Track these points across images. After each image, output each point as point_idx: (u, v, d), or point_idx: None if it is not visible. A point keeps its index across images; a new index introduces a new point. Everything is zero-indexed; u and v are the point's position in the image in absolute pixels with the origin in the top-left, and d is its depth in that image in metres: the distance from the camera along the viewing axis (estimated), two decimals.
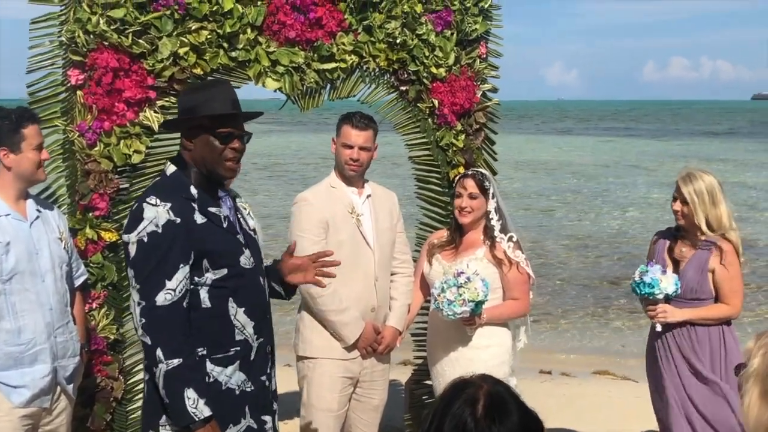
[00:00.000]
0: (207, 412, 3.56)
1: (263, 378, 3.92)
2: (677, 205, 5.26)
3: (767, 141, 56.05)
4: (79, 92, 5.08)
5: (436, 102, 5.84)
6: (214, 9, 5.22)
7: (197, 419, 3.54)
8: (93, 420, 5.10)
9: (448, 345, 5.32)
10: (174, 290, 3.57)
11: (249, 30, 5.33)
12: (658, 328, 5.26)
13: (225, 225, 3.81)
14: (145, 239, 3.57)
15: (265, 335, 3.94)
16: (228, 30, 5.26)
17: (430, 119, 5.90)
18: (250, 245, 3.92)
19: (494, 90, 6.15)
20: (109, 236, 5.12)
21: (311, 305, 5.10)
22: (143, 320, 3.56)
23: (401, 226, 5.48)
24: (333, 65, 5.57)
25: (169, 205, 3.61)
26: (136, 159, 5.15)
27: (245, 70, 5.40)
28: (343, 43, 5.57)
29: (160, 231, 3.57)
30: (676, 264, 5.32)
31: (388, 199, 5.43)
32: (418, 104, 5.87)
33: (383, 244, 5.26)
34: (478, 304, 4.98)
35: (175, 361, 3.53)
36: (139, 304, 3.58)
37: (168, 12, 5.13)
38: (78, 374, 4.67)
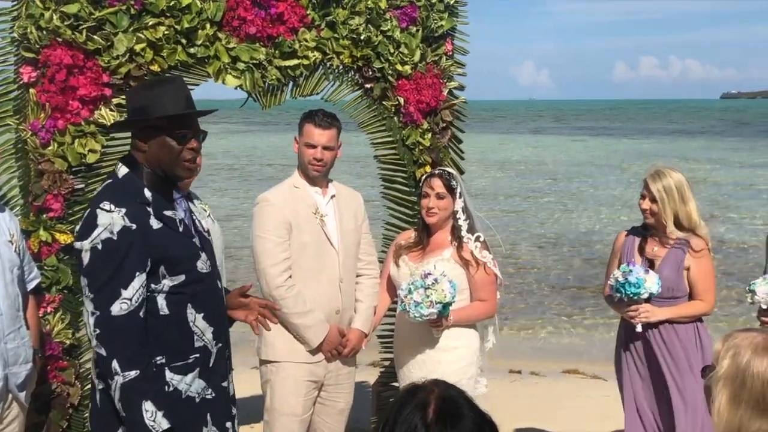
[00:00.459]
0: (165, 424, 3.45)
1: (224, 384, 3.84)
2: (646, 203, 5.21)
3: (737, 140, 56.57)
4: (31, 90, 4.95)
5: (401, 100, 5.74)
6: (171, 4, 5.09)
7: None
8: (48, 427, 4.96)
9: (414, 347, 5.24)
10: (130, 299, 3.44)
11: (208, 26, 5.21)
12: (639, 328, 5.20)
13: (181, 229, 3.69)
14: (99, 247, 3.43)
15: (224, 340, 3.85)
16: (186, 26, 5.13)
17: (395, 117, 5.80)
18: (205, 248, 3.82)
19: (461, 88, 6.05)
20: (64, 238, 4.98)
21: None
22: (97, 331, 3.43)
23: (366, 226, 5.38)
24: (295, 62, 5.46)
25: (123, 210, 3.47)
26: (91, 158, 5.02)
27: (204, 67, 5.28)
28: (306, 40, 5.46)
29: (115, 238, 3.44)
30: (649, 263, 5.27)
31: (353, 199, 5.33)
32: (384, 102, 5.77)
33: (348, 245, 5.16)
34: (446, 305, 4.90)
35: (132, 373, 3.42)
36: (93, 314, 3.44)
37: (124, 7, 5.00)
38: (31, 381, 4.52)
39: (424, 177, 5.44)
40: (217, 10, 5.19)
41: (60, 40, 4.90)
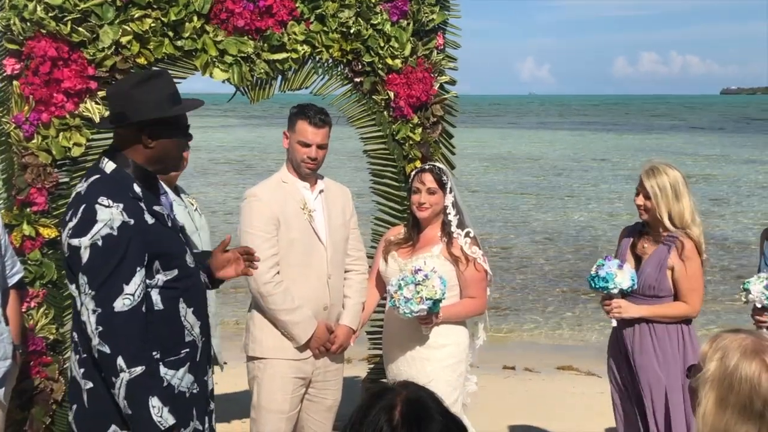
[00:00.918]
0: (171, 420, 3.43)
1: (206, 378, 3.83)
2: (640, 200, 5.17)
3: (736, 135, 56.56)
4: (15, 82, 4.89)
5: (391, 94, 5.69)
6: None
7: (162, 428, 3.41)
8: (31, 423, 4.92)
9: (403, 344, 5.20)
10: (132, 295, 3.40)
11: (195, 18, 5.16)
12: (614, 323, 5.21)
13: (169, 224, 3.68)
14: (100, 243, 3.37)
15: (207, 335, 3.84)
16: (173, 18, 5.08)
17: (385, 112, 5.75)
18: (188, 244, 3.82)
19: (452, 82, 6.00)
20: (48, 232, 4.93)
21: (262, 304, 4.94)
22: (100, 328, 3.37)
23: (355, 222, 5.33)
24: (284, 55, 5.41)
25: (121, 206, 3.42)
26: (76, 152, 4.97)
27: (191, 60, 5.23)
28: (295, 33, 5.41)
29: (115, 233, 3.38)
30: (638, 260, 5.23)
31: (341, 194, 5.28)
32: (373, 96, 5.72)
33: (336, 240, 5.11)
34: (436, 302, 4.85)
35: (138, 369, 3.37)
36: (94, 311, 3.38)
37: None
38: (11, 377, 4.47)
39: (414, 172, 5.38)
40: (205, 3, 5.14)
41: (44, 31, 4.85)
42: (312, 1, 5.44)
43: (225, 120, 65.31)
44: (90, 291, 3.39)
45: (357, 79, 5.68)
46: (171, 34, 5.12)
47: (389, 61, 5.65)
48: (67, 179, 5.02)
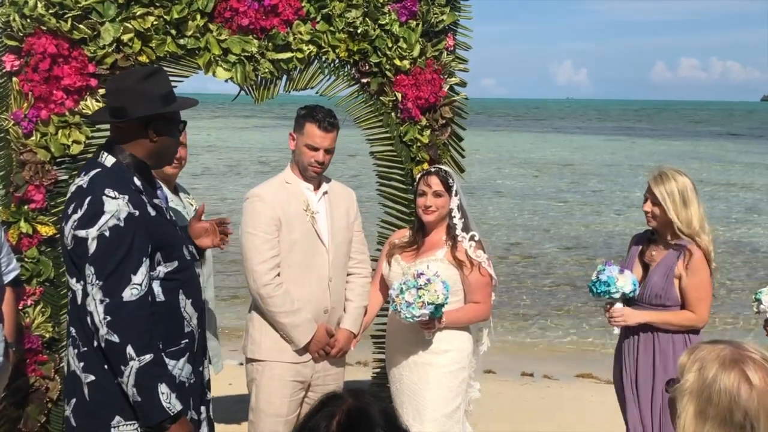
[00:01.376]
0: (179, 406, 3.54)
1: (201, 369, 3.94)
2: (648, 206, 5.09)
3: None
4: (14, 79, 4.87)
5: (399, 95, 5.62)
6: None
7: (171, 414, 3.50)
8: (26, 421, 4.90)
9: (406, 349, 5.14)
10: (140, 285, 3.50)
11: (198, 16, 5.11)
12: (616, 331, 5.13)
13: (168, 217, 3.81)
14: (107, 234, 3.46)
15: (203, 326, 3.95)
16: (176, 16, 5.04)
17: (393, 113, 5.68)
18: (183, 237, 3.93)
19: (463, 84, 5.91)
20: (46, 230, 4.91)
21: (261, 305, 4.89)
22: (108, 318, 3.45)
23: (359, 224, 5.28)
24: (289, 55, 5.34)
25: (126, 197, 3.53)
26: (75, 150, 4.94)
27: (194, 59, 5.18)
28: (300, 32, 5.35)
29: (122, 225, 3.48)
30: (647, 268, 5.15)
31: (345, 196, 5.23)
32: (381, 97, 5.65)
33: (339, 243, 5.06)
34: (438, 307, 4.78)
35: (147, 357, 3.48)
36: (102, 301, 3.45)
37: None
38: (3, 375, 4.45)
39: (420, 175, 5.32)
40: (209, 1, 5.09)
41: (44, 28, 4.82)
42: (318, 1, 5.38)
43: (261, 120, 65.96)
44: (97, 281, 3.46)
45: (364, 80, 5.61)
46: (174, 32, 5.08)
47: (397, 62, 5.58)
48: (66, 177, 4.99)
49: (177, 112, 3.79)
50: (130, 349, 3.44)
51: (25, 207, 4.89)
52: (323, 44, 5.44)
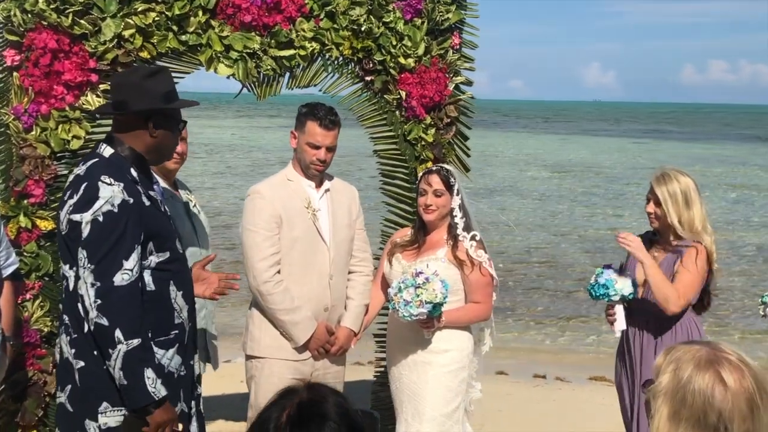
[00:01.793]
0: (164, 391, 3.60)
1: (191, 362, 3.98)
2: (650, 207, 5.06)
3: None
4: (15, 73, 4.88)
5: (403, 93, 5.59)
6: None
7: (156, 398, 3.56)
8: (23, 415, 4.91)
9: (405, 348, 5.13)
10: (131, 270, 3.57)
11: (200, 13, 5.11)
12: (617, 334, 5.08)
13: (162, 209, 3.87)
14: (101, 219, 3.55)
15: (193, 321, 4.00)
16: (177, 12, 5.03)
17: (397, 111, 5.65)
18: (177, 233, 3.99)
19: (468, 83, 5.88)
20: (45, 225, 4.92)
21: (261, 303, 4.89)
22: (99, 301, 3.52)
23: (361, 222, 5.27)
24: (291, 52, 5.33)
25: (122, 185, 3.61)
26: (75, 145, 4.94)
27: (196, 55, 5.18)
28: (303, 29, 5.33)
29: (116, 211, 3.56)
30: None
31: (347, 194, 5.21)
32: (385, 96, 5.63)
33: (340, 241, 5.04)
34: (436, 306, 4.76)
35: (135, 341, 3.54)
36: (93, 285, 3.53)
37: None
38: (0, 368, 4.47)
39: (421, 173, 5.30)
40: None
41: (45, 23, 4.82)
42: None
43: (285, 120, 66.03)
44: (89, 265, 3.54)
45: (368, 78, 5.59)
46: (175, 28, 5.08)
47: (402, 60, 5.56)
48: (65, 172, 4.98)
49: (178, 111, 3.88)
50: (118, 333, 3.50)
51: (25, 201, 4.91)
52: (326, 41, 5.42)
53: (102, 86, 4.95)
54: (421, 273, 4.76)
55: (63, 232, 3.67)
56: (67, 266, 3.67)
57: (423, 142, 5.68)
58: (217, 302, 4.94)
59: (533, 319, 12.67)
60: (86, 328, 3.59)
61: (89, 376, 3.64)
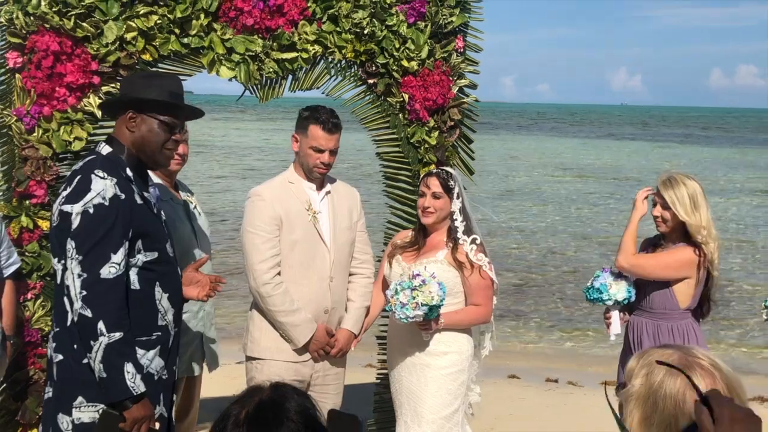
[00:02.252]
0: (143, 387, 3.61)
1: (174, 368, 3.98)
2: (657, 210, 5.04)
3: None
4: (17, 75, 4.92)
5: (406, 97, 5.60)
6: None
7: (134, 393, 3.57)
8: (24, 413, 4.94)
9: (405, 350, 5.15)
10: (118, 264, 3.59)
11: (202, 16, 5.12)
12: (612, 338, 5.08)
13: (155, 211, 3.89)
14: (91, 211, 3.58)
15: (179, 326, 4.01)
16: (179, 15, 5.05)
17: (400, 114, 5.66)
18: (169, 237, 3.99)
19: (473, 86, 5.88)
20: (47, 225, 4.94)
21: (261, 304, 4.91)
22: (84, 292, 3.55)
23: (362, 224, 5.28)
24: (293, 55, 5.34)
25: (115, 180, 3.65)
26: (77, 146, 4.97)
27: (198, 58, 5.20)
28: (306, 32, 5.34)
29: (107, 204, 3.60)
30: None
31: (348, 196, 5.23)
32: (388, 98, 5.63)
33: (341, 243, 5.06)
34: (433, 308, 4.76)
35: (117, 335, 3.55)
36: (80, 275, 3.56)
37: None
38: (0, 366, 4.53)
39: (421, 176, 5.31)
40: (213, 1, 5.10)
41: (48, 26, 4.86)
42: (325, 1, 5.37)
43: None
44: (77, 256, 3.57)
45: (371, 81, 5.60)
46: (177, 31, 5.10)
47: (405, 63, 5.56)
48: (67, 173, 5.03)
49: (165, 111, 3.85)
50: (101, 325, 3.51)
51: (27, 202, 4.94)
52: (329, 44, 5.43)
53: (104, 88, 4.99)
54: (418, 275, 4.77)
55: (54, 224, 3.72)
56: (56, 259, 3.70)
57: (426, 145, 5.68)
58: (216, 304, 4.97)
59: (548, 322, 12.65)
60: (68, 322, 3.61)
61: (66, 370, 3.66)
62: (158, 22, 5.04)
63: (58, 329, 3.71)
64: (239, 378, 7.10)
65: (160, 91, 3.82)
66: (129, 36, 4.99)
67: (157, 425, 3.76)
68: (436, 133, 5.69)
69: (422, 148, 5.68)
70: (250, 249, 4.87)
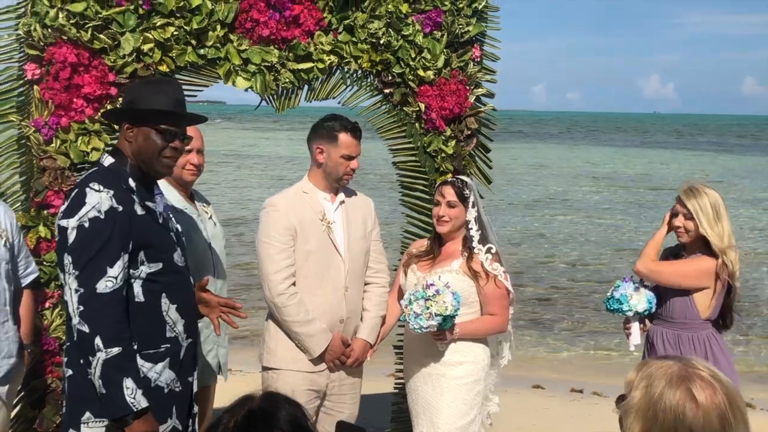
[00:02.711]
0: (144, 403, 3.54)
1: (190, 379, 3.92)
2: (680, 221, 5.00)
3: None
4: (36, 87, 4.97)
5: (422, 106, 5.60)
6: (180, 5, 5.06)
7: (135, 410, 3.51)
8: (41, 422, 4.97)
9: (421, 360, 5.13)
10: (115, 278, 3.54)
11: (219, 27, 5.16)
12: (632, 348, 5.04)
13: (160, 221, 3.82)
14: (86, 225, 3.54)
15: (194, 336, 3.94)
16: (196, 26, 5.09)
17: (417, 124, 5.67)
18: (179, 245, 3.93)
19: (490, 95, 5.88)
20: None
21: (276, 314, 4.92)
22: (81, 308, 3.52)
23: (377, 234, 5.27)
24: (309, 65, 5.37)
25: (112, 192, 3.60)
26: (94, 156, 4.99)
27: (214, 68, 5.24)
28: (322, 43, 5.37)
29: (102, 217, 3.55)
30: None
31: (363, 206, 5.22)
32: (404, 108, 5.64)
33: (355, 253, 5.05)
34: (447, 318, 4.75)
35: (115, 350, 3.50)
36: (77, 291, 3.53)
37: (131, 7, 4.99)
38: (16, 375, 4.57)
39: (437, 185, 5.31)
40: (229, 12, 5.14)
41: (65, 38, 4.91)
42: (340, 12, 5.40)
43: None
44: (74, 271, 3.54)
45: (387, 90, 5.61)
46: (194, 42, 5.14)
47: (421, 72, 5.57)
48: None
49: (162, 113, 3.78)
50: (98, 341, 3.48)
51: (45, 212, 4.99)
52: (345, 54, 5.45)
53: (121, 99, 5.03)
54: (431, 285, 4.76)
55: (57, 239, 3.70)
56: (62, 274, 3.68)
57: (443, 154, 5.68)
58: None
59: (574, 332, 12.58)
60: (75, 336, 3.59)
61: (75, 385, 3.63)
62: (175, 33, 5.08)
63: (68, 343, 3.69)
64: (257, 387, 7.16)
65: (157, 98, 3.76)
66: (146, 47, 5.03)
67: None
68: (453, 142, 5.70)
69: (439, 157, 5.69)
70: (265, 259, 4.88)
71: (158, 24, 5.04)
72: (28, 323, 4.68)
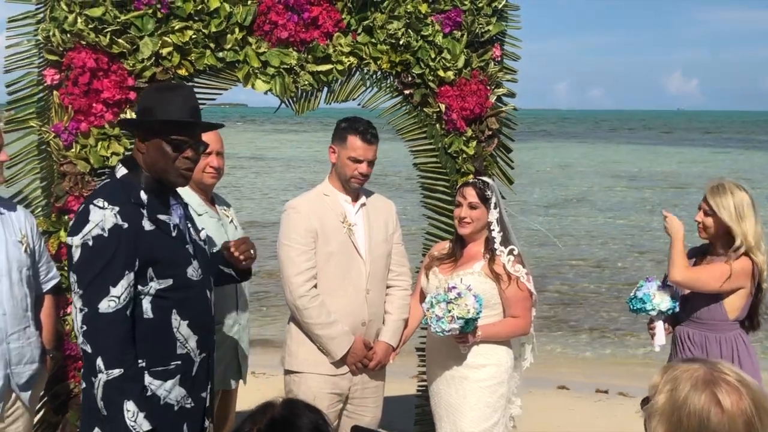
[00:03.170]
0: (146, 426, 3.44)
1: (203, 395, 3.82)
2: (699, 216, 4.96)
3: None
4: (55, 92, 4.98)
5: (443, 107, 5.57)
6: (199, 8, 5.06)
7: None
8: (64, 427, 4.99)
9: (443, 363, 5.10)
10: (118, 297, 3.45)
11: (237, 30, 5.16)
12: (657, 349, 4.99)
13: (174, 234, 3.70)
14: (90, 243, 3.45)
15: (209, 350, 3.83)
16: (214, 29, 5.10)
17: (437, 125, 5.64)
18: (198, 257, 3.81)
19: (511, 94, 5.84)
20: None
21: (297, 317, 4.90)
22: (84, 327, 3.45)
23: (399, 237, 5.24)
24: (329, 67, 5.35)
25: (117, 208, 3.50)
26: (114, 161, 4.98)
27: (233, 71, 5.23)
28: (341, 44, 5.35)
29: (106, 235, 3.45)
30: None
31: (384, 208, 5.20)
32: (425, 109, 5.61)
33: (377, 255, 5.03)
34: (469, 321, 4.71)
35: (116, 372, 3.42)
36: (81, 310, 3.46)
37: (150, 11, 4.99)
38: (38, 381, 4.56)
39: (458, 186, 5.27)
40: (247, 15, 5.13)
41: (84, 43, 4.92)
42: (359, 13, 5.38)
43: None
44: (78, 290, 3.48)
45: (407, 91, 5.58)
46: (212, 45, 5.14)
47: (441, 73, 5.54)
48: None
49: (173, 123, 3.64)
50: (99, 362, 3.41)
51: (65, 217, 5.00)
52: (364, 56, 5.43)
53: None
54: (453, 288, 4.73)
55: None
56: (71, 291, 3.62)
57: (464, 155, 5.65)
58: (251, 316, 4.94)
59: (599, 333, 12.50)
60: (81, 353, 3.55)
61: (87, 399, 3.57)
62: (193, 36, 5.08)
63: (84, 356, 3.63)
64: (281, 390, 7.16)
65: (167, 108, 3.62)
66: (164, 51, 5.03)
67: None
68: (474, 143, 5.66)
69: (460, 158, 5.65)
70: (286, 262, 4.87)
71: (177, 27, 5.05)
72: (50, 328, 4.67)
